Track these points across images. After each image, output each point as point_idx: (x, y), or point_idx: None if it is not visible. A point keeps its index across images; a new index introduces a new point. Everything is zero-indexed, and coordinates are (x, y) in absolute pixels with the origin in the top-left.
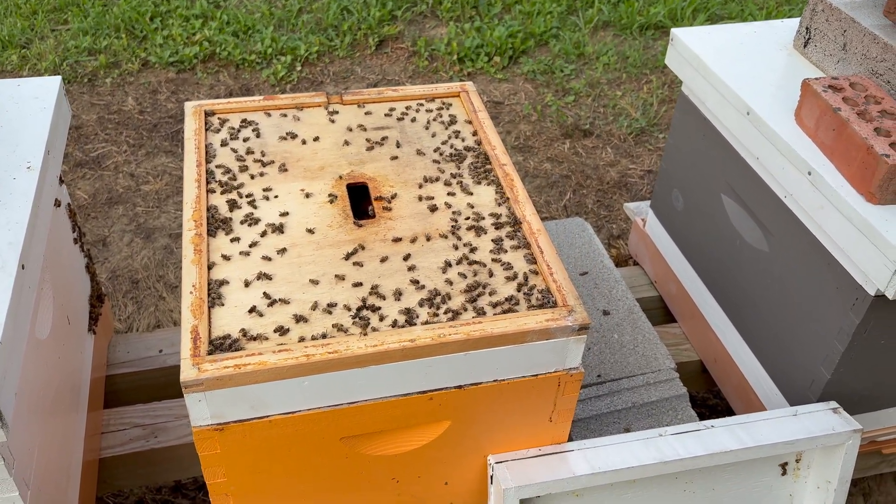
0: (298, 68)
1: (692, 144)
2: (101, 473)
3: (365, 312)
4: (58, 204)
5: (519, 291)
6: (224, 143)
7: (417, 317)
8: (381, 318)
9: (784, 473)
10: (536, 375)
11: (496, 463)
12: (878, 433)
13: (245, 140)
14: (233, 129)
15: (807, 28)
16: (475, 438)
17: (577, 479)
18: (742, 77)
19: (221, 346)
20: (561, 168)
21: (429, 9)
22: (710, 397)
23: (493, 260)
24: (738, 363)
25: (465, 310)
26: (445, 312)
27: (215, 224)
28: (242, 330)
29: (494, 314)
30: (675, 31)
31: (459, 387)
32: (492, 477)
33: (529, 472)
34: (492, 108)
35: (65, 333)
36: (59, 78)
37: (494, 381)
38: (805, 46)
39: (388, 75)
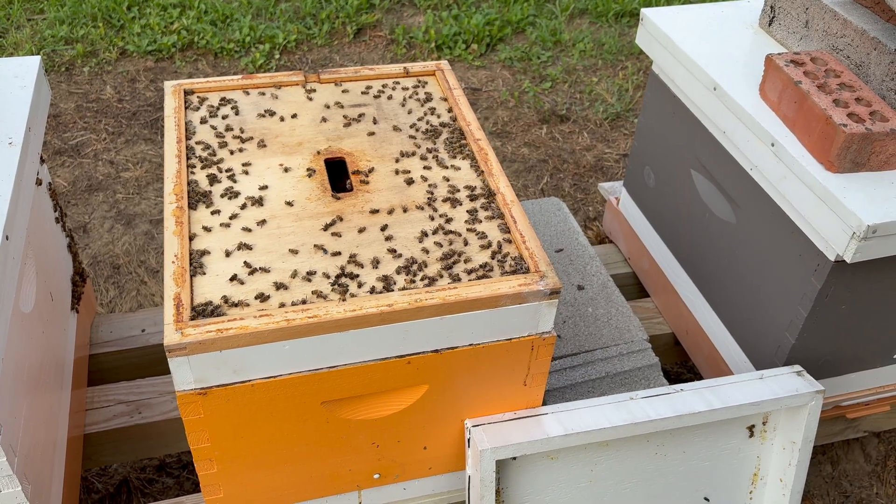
0: (277, 56)
1: (663, 122)
2: (85, 450)
3: (343, 280)
4: (39, 182)
5: (493, 259)
6: (203, 121)
7: (395, 283)
8: (360, 285)
9: (751, 436)
10: (510, 339)
11: (473, 426)
12: (842, 398)
13: (224, 117)
14: (212, 107)
15: (771, 7)
16: (453, 403)
17: (551, 440)
18: (709, 54)
19: (203, 312)
20: (538, 153)
21: None
22: (684, 371)
23: (468, 230)
24: (708, 334)
25: (441, 276)
26: (422, 279)
27: (196, 197)
28: (224, 297)
29: (469, 280)
30: (644, 10)
31: (436, 351)
32: (469, 440)
33: (505, 435)
34: (470, 94)
35: (48, 310)
36: (38, 58)
37: (470, 345)
38: (770, 24)
39: (367, 63)
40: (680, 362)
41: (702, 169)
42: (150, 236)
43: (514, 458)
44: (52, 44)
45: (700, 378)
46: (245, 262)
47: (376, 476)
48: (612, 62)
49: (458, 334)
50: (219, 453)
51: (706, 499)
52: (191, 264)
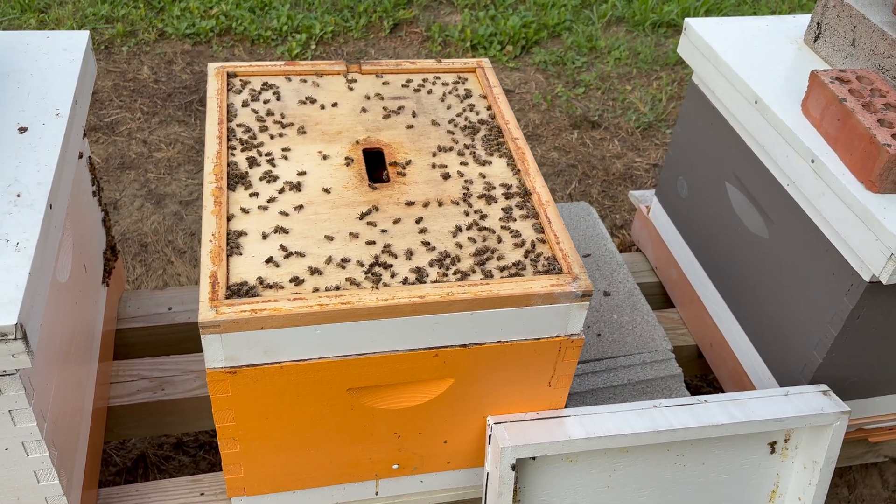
0: (313, 47)
1: (699, 133)
2: (107, 422)
3: (377, 269)
4: (80, 156)
5: (526, 258)
6: (245, 104)
7: (427, 276)
8: (393, 275)
9: (772, 452)
10: (539, 339)
11: (495, 423)
12: (866, 421)
13: (265, 102)
14: (254, 91)
15: (818, 23)
16: (476, 398)
17: (572, 442)
18: (751, 67)
19: (238, 291)
20: (568, 157)
21: None
22: (703, 385)
23: (502, 227)
24: (733, 348)
25: (474, 272)
26: (454, 273)
27: (235, 179)
28: (259, 278)
29: (501, 277)
30: (688, 20)
31: (464, 345)
32: (490, 437)
33: (527, 434)
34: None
35: (82, 281)
36: (87, 33)
37: (498, 342)
38: (815, 41)
39: (401, 58)
40: (700, 375)
41: (737, 182)
42: (178, 217)
43: (534, 459)
44: (92, 21)
45: (720, 392)
46: (281, 246)
47: (395, 466)
48: (647, 72)
49: (487, 330)
50: (243, 433)
51: None
52: (227, 244)
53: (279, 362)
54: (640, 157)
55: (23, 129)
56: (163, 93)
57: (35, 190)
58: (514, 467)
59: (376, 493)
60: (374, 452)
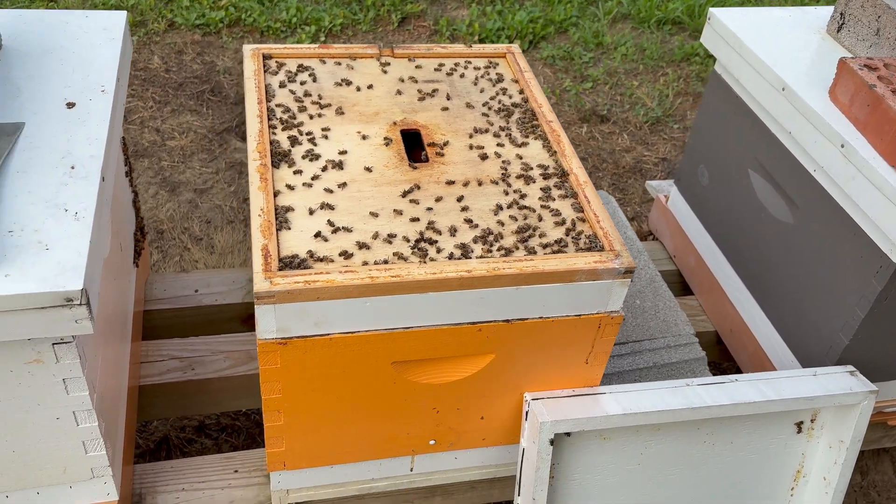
0: (322, 39)
1: (721, 122)
2: (138, 401)
3: (423, 244)
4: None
5: (567, 235)
6: (282, 85)
7: (472, 252)
8: (438, 251)
9: (799, 432)
10: (580, 315)
11: (533, 399)
12: (886, 404)
13: (302, 83)
14: (290, 72)
15: (841, 13)
16: (515, 375)
17: (609, 418)
18: (778, 55)
19: (290, 264)
20: (577, 151)
21: None
22: (719, 373)
23: (541, 206)
24: (754, 332)
25: (517, 248)
26: (498, 250)
27: (278, 157)
28: (309, 251)
29: (544, 254)
30: (713, 10)
31: (507, 321)
32: (527, 413)
33: (565, 409)
34: None
35: (118, 260)
36: (125, 13)
37: (540, 317)
38: (838, 31)
39: None
40: (716, 363)
41: (760, 169)
42: (193, 204)
43: (569, 435)
44: (103, 8)
45: None
46: (328, 221)
47: (432, 442)
48: (653, 68)
49: (531, 306)
50: (288, 405)
51: None
52: (276, 219)
53: (328, 334)
54: (649, 151)
55: (70, 105)
56: (174, 82)
57: (88, 163)
58: (552, 442)
59: (411, 469)
60: (412, 427)
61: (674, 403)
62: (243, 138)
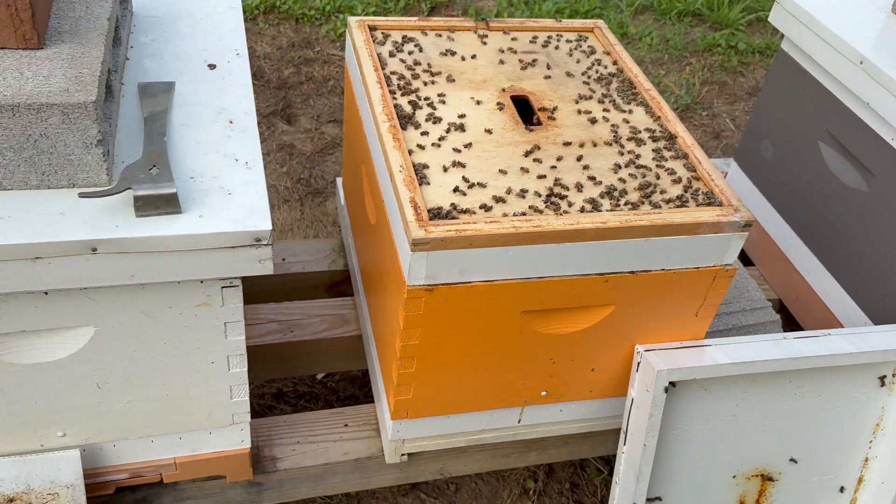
0: None
1: (788, 98)
2: None
3: (554, 199)
4: None
5: (686, 192)
6: (392, 55)
7: (601, 206)
8: (570, 205)
9: (882, 386)
10: (698, 268)
11: (645, 350)
12: None
13: (410, 53)
14: (396, 42)
15: None
16: (629, 327)
17: (719, 367)
18: (852, 30)
19: (437, 215)
20: None
21: None
22: None
23: (656, 166)
24: (823, 297)
25: (643, 203)
26: (625, 204)
27: (403, 119)
28: (452, 204)
29: (668, 208)
30: None
31: (632, 272)
32: (638, 364)
33: (677, 359)
34: None
35: None
36: None
37: (662, 269)
38: None
39: None
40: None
41: (831, 140)
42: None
43: (674, 385)
44: None
45: None
46: (463, 177)
47: (543, 393)
48: (678, 58)
49: (655, 258)
50: (422, 352)
51: (793, 459)
52: (416, 174)
53: (470, 282)
54: None
55: (212, 66)
56: None
57: (244, 118)
58: (666, 390)
59: (519, 421)
60: (528, 378)
61: (776, 354)
62: (289, 121)
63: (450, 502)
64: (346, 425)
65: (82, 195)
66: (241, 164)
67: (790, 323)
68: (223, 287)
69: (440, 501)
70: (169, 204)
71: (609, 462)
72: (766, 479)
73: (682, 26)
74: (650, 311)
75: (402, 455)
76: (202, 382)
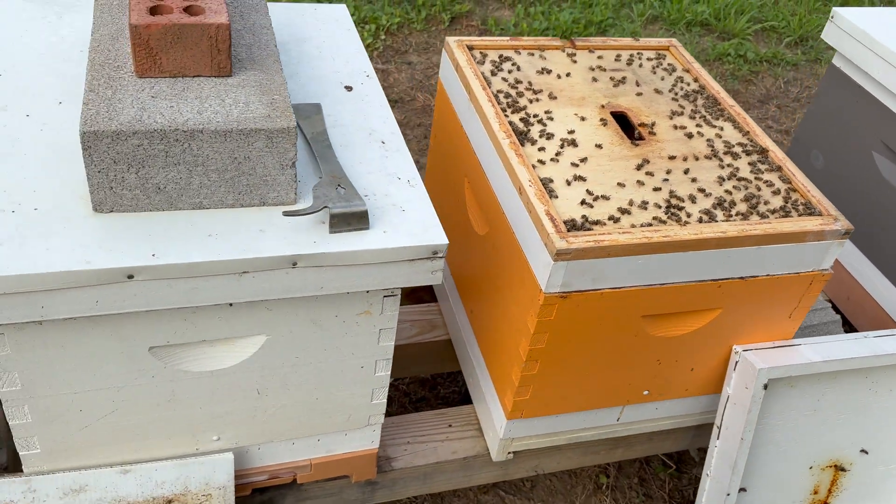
0: (382, 37)
1: (839, 110)
2: None
3: (673, 210)
4: None
5: (787, 203)
6: (493, 74)
7: (717, 216)
8: (688, 215)
9: None
10: (798, 273)
11: (743, 350)
12: None
13: (510, 72)
14: (495, 62)
15: None
16: (729, 328)
17: (812, 364)
18: None
19: (574, 226)
20: None
21: None
22: None
23: (755, 178)
24: (876, 298)
25: (751, 213)
26: (736, 214)
27: (519, 135)
28: (583, 216)
29: (775, 218)
30: (836, 9)
31: (742, 278)
32: (736, 363)
33: (774, 358)
34: None
35: None
36: (343, 5)
37: (767, 275)
38: None
39: None
40: None
41: (885, 150)
42: None
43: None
44: None
45: None
46: (587, 191)
47: (646, 392)
48: None
49: (763, 264)
50: (546, 356)
51: (863, 450)
52: (545, 188)
53: (600, 289)
54: None
55: (349, 88)
56: None
57: (392, 138)
58: (765, 387)
59: (618, 419)
60: (635, 378)
61: (861, 351)
62: None
63: (528, 498)
64: (450, 426)
65: (287, 213)
66: (405, 183)
67: (844, 323)
68: (385, 296)
69: (518, 498)
70: (360, 221)
71: (672, 457)
72: (839, 469)
73: (691, 36)
74: (751, 314)
75: (509, 453)
76: (349, 386)
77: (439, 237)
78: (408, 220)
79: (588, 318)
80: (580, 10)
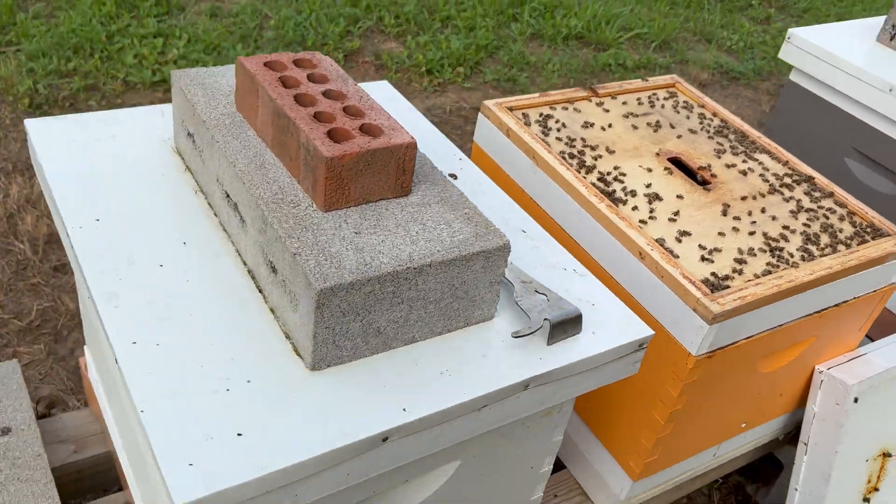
0: None
1: (802, 122)
2: None
3: (777, 252)
4: None
5: (856, 227)
6: (545, 133)
7: (813, 252)
8: (791, 255)
9: None
10: (875, 290)
11: (827, 369)
12: None
13: (559, 130)
14: (539, 121)
15: (893, 25)
16: (815, 351)
17: (889, 371)
18: (872, 62)
19: (711, 286)
20: None
21: (374, 24)
22: None
23: (817, 207)
24: None
25: (837, 244)
26: (826, 247)
27: (607, 196)
28: (712, 273)
29: (857, 245)
30: (791, 30)
31: (837, 304)
32: (822, 382)
33: (856, 372)
34: (472, 114)
35: None
36: (386, 82)
37: (854, 297)
38: (891, 40)
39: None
40: None
41: (857, 156)
42: None
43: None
44: (42, 77)
45: None
46: (699, 245)
47: (743, 425)
48: (583, 80)
49: (854, 288)
50: (680, 414)
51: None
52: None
53: (737, 342)
54: None
55: (453, 176)
56: None
57: (528, 225)
58: (856, 400)
59: (714, 455)
60: (738, 413)
61: None
62: None
63: None
64: (555, 496)
65: (517, 336)
66: (572, 273)
67: None
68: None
69: None
70: (575, 326)
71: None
72: (886, 455)
73: (569, 49)
74: (833, 334)
75: None
76: (517, 485)
77: (644, 329)
78: (606, 316)
79: (723, 372)
80: (464, 34)
